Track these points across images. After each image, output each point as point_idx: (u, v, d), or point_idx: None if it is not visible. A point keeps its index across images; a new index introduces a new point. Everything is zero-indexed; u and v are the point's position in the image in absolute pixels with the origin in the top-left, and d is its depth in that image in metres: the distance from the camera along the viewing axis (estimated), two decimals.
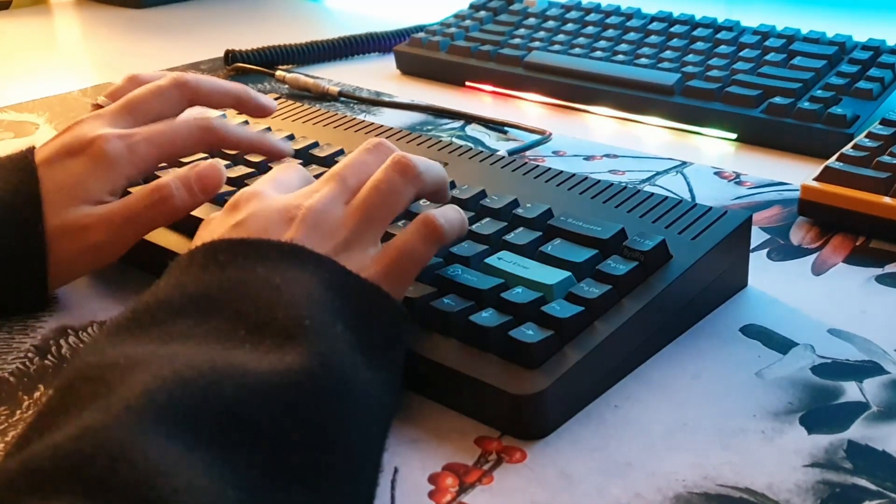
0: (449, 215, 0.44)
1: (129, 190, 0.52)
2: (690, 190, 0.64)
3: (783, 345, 0.47)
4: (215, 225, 0.42)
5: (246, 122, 0.67)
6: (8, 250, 0.49)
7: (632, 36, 0.85)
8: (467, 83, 0.89)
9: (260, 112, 0.58)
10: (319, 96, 0.86)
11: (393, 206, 0.43)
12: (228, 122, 0.54)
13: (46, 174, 0.50)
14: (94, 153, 0.50)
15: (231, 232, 0.40)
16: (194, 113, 0.57)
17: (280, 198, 0.43)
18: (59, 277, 0.51)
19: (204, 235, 0.42)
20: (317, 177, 0.46)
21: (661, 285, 0.45)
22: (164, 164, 0.56)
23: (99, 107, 0.56)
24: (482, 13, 0.95)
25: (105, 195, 0.50)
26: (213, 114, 0.63)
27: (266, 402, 0.32)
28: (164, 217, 0.50)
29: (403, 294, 0.43)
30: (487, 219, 0.51)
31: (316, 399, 0.33)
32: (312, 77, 0.89)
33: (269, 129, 0.66)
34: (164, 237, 0.54)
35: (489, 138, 0.75)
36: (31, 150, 0.52)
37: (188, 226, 0.52)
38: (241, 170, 0.58)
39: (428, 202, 0.50)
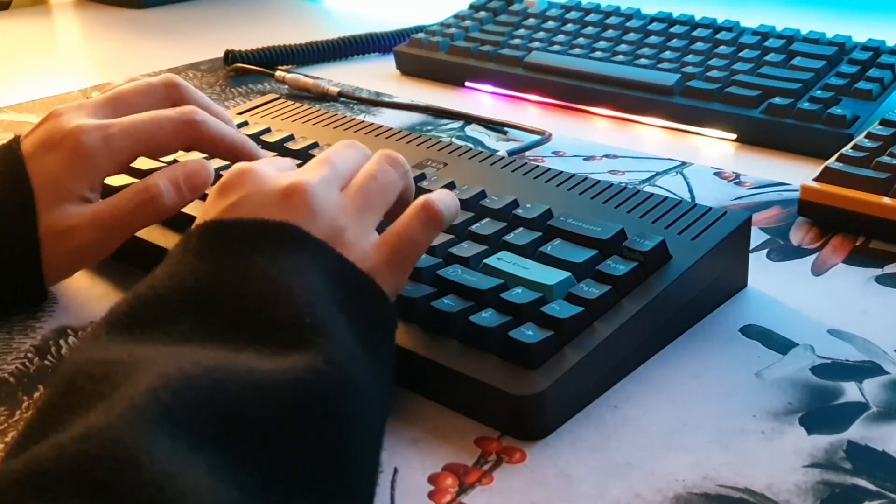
0: (445, 200, 0.44)
1: (107, 183, 0.52)
2: (690, 190, 0.64)
3: (783, 345, 0.47)
4: (209, 206, 0.41)
5: (245, 123, 0.67)
6: (2, 243, 0.48)
7: (631, 36, 0.85)
8: (467, 83, 0.89)
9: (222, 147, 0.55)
10: (319, 97, 0.86)
11: (387, 196, 0.43)
12: (211, 118, 0.53)
13: (31, 170, 0.49)
14: (70, 146, 0.49)
15: (226, 213, 0.39)
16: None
17: (275, 175, 0.41)
18: (50, 277, 0.50)
19: (200, 218, 0.40)
20: None
21: (660, 286, 0.45)
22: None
23: None
24: (482, 13, 0.95)
25: (86, 191, 0.49)
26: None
27: (272, 400, 0.31)
28: (152, 216, 0.50)
29: (405, 282, 0.43)
30: (487, 219, 0.51)
31: (322, 396, 0.33)
32: (312, 77, 0.89)
33: (268, 129, 0.66)
34: (162, 236, 0.54)
35: (489, 138, 0.75)
36: (17, 142, 0.51)
37: (186, 224, 0.52)
38: (217, 162, 0.58)
39: None
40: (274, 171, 0.42)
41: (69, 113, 0.51)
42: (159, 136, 0.51)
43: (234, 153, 0.53)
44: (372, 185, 0.43)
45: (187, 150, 0.54)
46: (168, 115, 0.52)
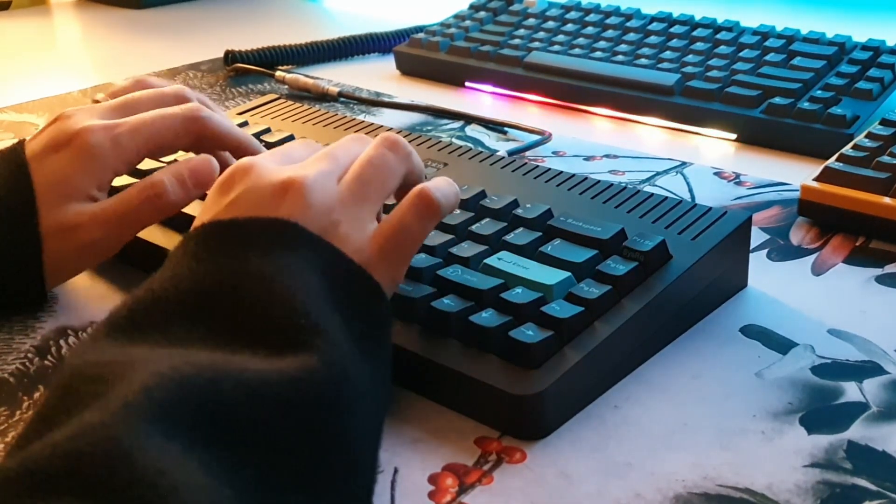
0: (443, 188, 0.43)
1: (115, 185, 0.52)
2: (690, 190, 0.64)
3: (783, 345, 0.47)
4: (210, 204, 0.41)
5: (245, 123, 0.67)
6: (2, 246, 0.48)
7: (631, 36, 0.85)
8: (467, 83, 0.89)
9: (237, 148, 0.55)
10: (319, 97, 0.86)
11: (386, 181, 0.43)
12: (215, 114, 0.53)
13: (36, 170, 0.50)
14: (79, 146, 0.50)
15: (224, 212, 0.39)
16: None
17: (274, 170, 0.41)
18: (56, 276, 0.51)
19: (200, 216, 0.41)
20: None
21: (660, 286, 0.45)
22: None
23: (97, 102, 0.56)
24: (482, 14, 0.95)
25: (93, 190, 0.50)
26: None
27: (265, 399, 0.32)
28: (158, 213, 0.50)
29: (403, 273, 0.42)
30: (487, 219, 0.51)
31: (316, 396, 0.33)
32: (312, 77, 0.89)
33: (268, 129, 0.66)
34: (162, 236, 0.54)
35: (489, 138, 0.75)
36: (21, 144, 0.51)
37: (186, 223, 0.52)
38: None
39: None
40: (276, 162, 0.42)
41: (78, 115, 0.52)
42: (166, 134, 0.51)
43: (239, 148, 0.54)
44: (369, 172, 0.42)
45: (191, 150, 0.54)
46: (174, 113, 0.52)
